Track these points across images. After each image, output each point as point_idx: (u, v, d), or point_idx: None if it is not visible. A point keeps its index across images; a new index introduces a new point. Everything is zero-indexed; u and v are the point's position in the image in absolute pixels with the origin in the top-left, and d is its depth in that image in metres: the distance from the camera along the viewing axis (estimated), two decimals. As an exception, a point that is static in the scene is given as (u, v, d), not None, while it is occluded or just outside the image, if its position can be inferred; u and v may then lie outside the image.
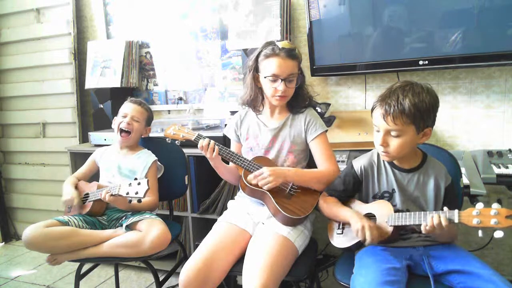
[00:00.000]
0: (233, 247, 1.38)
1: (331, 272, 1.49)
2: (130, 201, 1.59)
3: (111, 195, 1.52)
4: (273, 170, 1.38)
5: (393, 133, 1.17)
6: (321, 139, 1.49)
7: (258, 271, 1.21)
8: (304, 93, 1.54)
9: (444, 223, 1.06)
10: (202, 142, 1.48)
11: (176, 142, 1.61)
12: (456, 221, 1.05)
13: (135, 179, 1.48)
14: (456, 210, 1.06)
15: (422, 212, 1.14)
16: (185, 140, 1.58)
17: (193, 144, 1.52)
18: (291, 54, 1.44)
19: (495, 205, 1.01)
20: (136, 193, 1.44)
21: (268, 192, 1.40)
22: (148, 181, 1.44)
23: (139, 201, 1.48)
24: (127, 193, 1.46)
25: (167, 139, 1.63)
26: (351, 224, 1.24)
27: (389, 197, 1.27)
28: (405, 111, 1.13)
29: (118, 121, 1.77)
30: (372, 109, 1.22)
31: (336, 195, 1.37)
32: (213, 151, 1.46)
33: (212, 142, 1.47)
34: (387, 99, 1.16)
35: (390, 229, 1.19)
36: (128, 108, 1.79)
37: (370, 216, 1.27)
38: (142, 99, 2.69)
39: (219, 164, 1.54)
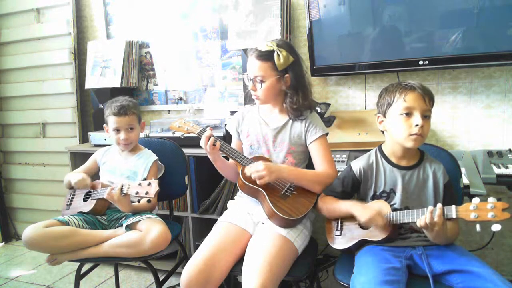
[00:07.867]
0: (234, 247, 1.38)
1: (331, 272, 1.49)
2: (139, 200, 1.59)
3: (121, 193, 1.52)
4: (268, 165, 1.37)
5: (427, 114, 1.19)
6: (320, 142, 1.47)
7: (257, 271, 1.21)
8: (298, 101, 1.45)
9: (437, 219, 1.07)
10: (203, 136, 1.48)
11: (181, 135, 1.62)
12: (454, 216, 1.06)
13: (145, 179, 1.48)
14: (454, 206, 1.07)
15: (420, 210, 1.14)
16: (189, 134, 1.59)
17: (193, 144, 1.52)
18: (259, 55, 1.43)
19: (491, 199, 1.03)
20: (146, 193, 1.45)
21: (263, 191, 1.40)
22: (158, 182, 1.45)
23: (149, 201, 1.49)
24: (137, 193, 1.47)
25: (172, 132, 1.63)
26: (355, 214, 1.23)
27: (387, 196, 1.27)
28: (431, 94, 1.20)
29: (114, 138, 1.72)
30: (398, 95, 1.20)
31: (335, 196, 1.36)
32: (213, 144, 1.46)
33: (212, 138, 1.47)
34: (409, 84, 1.20)
35: (389, 228, 1.19)
36: (118, 123, 1.70)
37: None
38: (142, 99, 2.73)
39: (217, 157, 1.54)
